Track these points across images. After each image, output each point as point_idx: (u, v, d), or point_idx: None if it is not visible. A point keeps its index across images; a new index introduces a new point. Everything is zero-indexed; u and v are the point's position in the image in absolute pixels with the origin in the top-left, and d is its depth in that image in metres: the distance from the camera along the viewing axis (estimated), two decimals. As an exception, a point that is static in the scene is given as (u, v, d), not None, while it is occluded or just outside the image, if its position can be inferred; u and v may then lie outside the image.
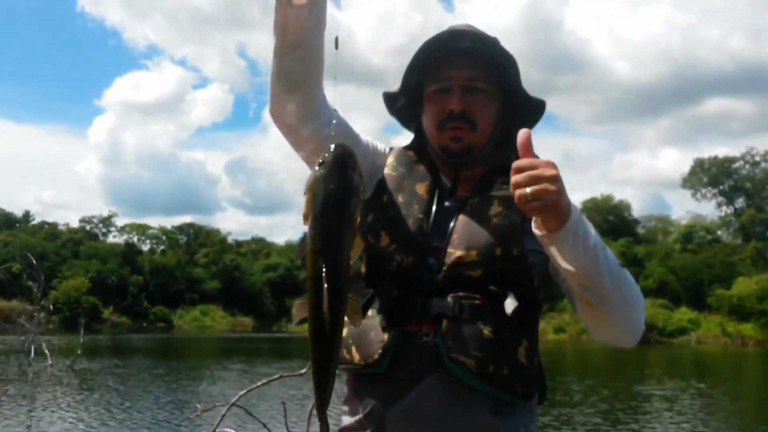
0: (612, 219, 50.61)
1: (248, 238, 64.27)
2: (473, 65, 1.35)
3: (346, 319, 1.05)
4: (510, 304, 1.26)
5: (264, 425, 4.52)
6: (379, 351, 1.27)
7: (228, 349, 26.01)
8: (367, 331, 1.30)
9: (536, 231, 1.16)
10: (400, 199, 1.37)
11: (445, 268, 1.29)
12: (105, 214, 61.64)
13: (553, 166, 1.10)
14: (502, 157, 1.41)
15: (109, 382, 13.23)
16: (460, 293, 1.27)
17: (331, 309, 1.00)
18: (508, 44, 1.36)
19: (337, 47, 1.21)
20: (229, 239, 59.53)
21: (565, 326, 37.82)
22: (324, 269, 1.00)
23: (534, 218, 1.16)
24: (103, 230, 57.72)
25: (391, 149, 1.47)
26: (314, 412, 1.14)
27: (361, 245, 1.05)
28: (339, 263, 1.01)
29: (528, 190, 1.08)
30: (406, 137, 1.50)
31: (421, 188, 1.38)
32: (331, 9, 1.25)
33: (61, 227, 55.24)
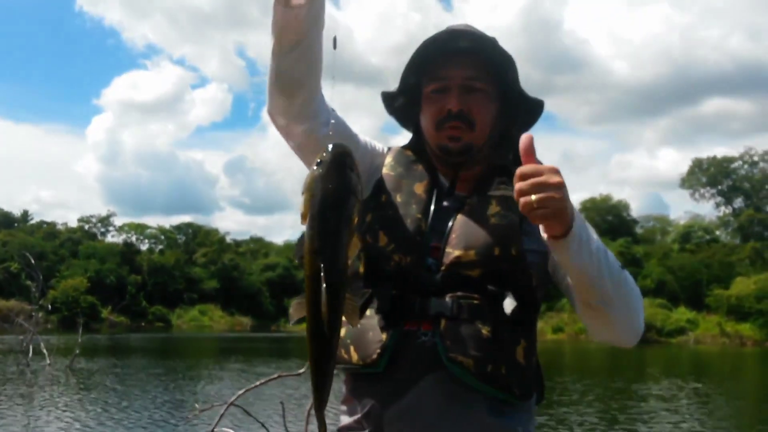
0: (611, 219, 50.65)
1: (247, 237, 64.36)
2: (472, 65, 1.35)
3: (344, 318, 1.05)
4: (509, 304, 1.26)
5: (262, 425, 4.52)
6: (378, 351, 1.27)
7: (226, 349, 26.01)
8: (366, 331, 1.30)
9: (543, 234, 1.17)
10: (398, 198, 1.37)
11: (443, 267, 1.29)
12: (103, 213, 61.76)
13: (557, 172, 1.10)
14: (500, 156, 1.41)
15: (108, 381, 13.22)
16: (459, 293, 1.27)
17: (329, 309, 1.00)
18: (507, 44, 1.36)
19: (335, 47, 1.21)
20: (228, 239, 59.58)
21: (564, 326, 37.84)
22: (322, 269, 1.00)
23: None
24: (102, 230, 57.76)
25: (389, 149, 1.47)
26: (312, 411, 1.13)
27: (359, 245, 1.05)
28: (337, 263, 1.01)
29: (533, 197, 1.08)
30: (404, 137, 1.51)
31: (419, 188, 1.38)
32: (329, 8, 1.25)
33: (59, 227, 55.23)
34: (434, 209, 1.35)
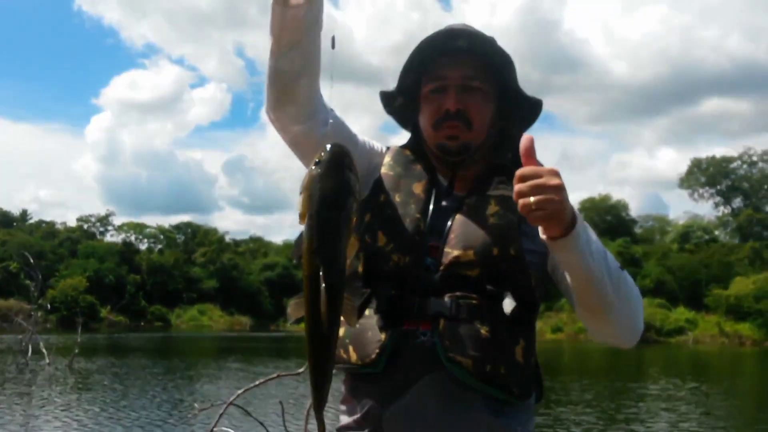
0: (609, 219, 50.67)
1: (246, 237, 64.31)
2: (470, 65, 1.35)
3: (342, 318, 1.05)
4: (508, 304, 1.26)
5: (262, 424, 4.52)
6: (377, 351, 1.27)
7: (226, 348, 26.01)
8: (365, 331, 1.30)
9: (542, 236, 1.17)
10: (397, 198, 1.37)
11: (442, 267, 1.29)
12: (102, 213, 61.53)
13: (556, 174, 1.10)
14: (499, 156, 1.41)
15: (107, 381, 13.22)
16: (458, 293, 1.27)
17: (328, 308, 1.00)
18: (506, 44, 1.36)
19: (333, 47, 1.21)
20: (227, 238, 59.54)
21: (563, 326, 37.85)
22: (321, 269, 1.00)
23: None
24: (101, 229, 57.73)
25: (388, 148, 1.47)
26: (312, 411, 1.14)
27: (356, 246, 1.06)
28: (336, 263, 1.01)
29: (532, 199, 1.08)
30: (403, 136, 1.51)
31: (418, 188, 1.38)
32: (328, 8, 1.25)
33: (58, 226, 55.20)
34: (433, 209, 1.35)
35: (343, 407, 1.38)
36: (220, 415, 3.90)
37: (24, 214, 57.43)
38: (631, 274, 1.29)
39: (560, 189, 1.09)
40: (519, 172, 1.10)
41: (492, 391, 1.25)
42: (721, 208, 53.63)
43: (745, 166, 53.18)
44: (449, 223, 1.32)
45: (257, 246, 60.30)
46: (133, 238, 56.96)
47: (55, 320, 33.70)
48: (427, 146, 1.40)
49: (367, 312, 1.31)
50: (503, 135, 1.41)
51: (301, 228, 1.03)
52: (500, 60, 1.35)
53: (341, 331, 1.29)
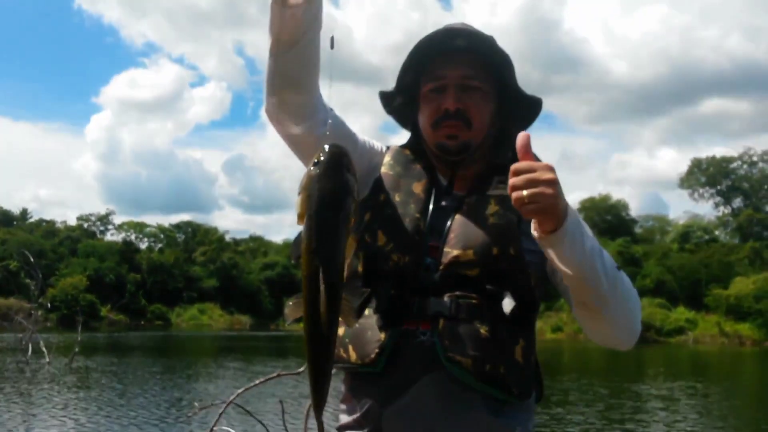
0: (609, 218, 50.66)
1: (246, 236, 64.27)
2: (469, 64, 1.35)
3: (340, 319, 1.05)
4: (508, 304, 1.26)
5: (262, 424, 4.52)
6: (376, 350, 1.27)
7: (226, 348, 26.02)
8: (364, 331, 1.30)
9: (533, 232, 1.17)
10: (396, 198, 1.37)
11: (441, 267, 1.29)
12: (103, 212, 61.59)
13: (550, 169, 1.11)
14: (498, 155, 1.41)
15: (107, 380, 13.22)
16: (457, 292, 1.27)
17: (327, 309, 1.00)
18: (506, 43, 1.36)
19: (332, 47, 1.20)
20: (227, 237, 59.54)
21: (563, 325, 37.86)
22: (320, 269, 1.00)
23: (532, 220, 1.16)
24: (101, 228, 57.77)
25: (388, 148, 1.47)
26: (311, 411, 1.13)
27: (354, 246, 1.06)
28: (335, 263, 1.01)
29: (525, 192, 1.09)
30: (403, 136, 1.51)
31: (417, 187, 1.38)
32: (328, 7, 1.25)
33: (58, 225, 55.26)
34: (433, 208, 1.35)
35: (342, 406, 1.38)
36: (220, 414, 3.90)
37: (24, 212, 57.48)
38: (631, 273, 1.29)
39: (553, 183, 1.10)
40: (514, 166, 1.11)
41: (491, 391, 1.25)
42: (721, 208, 53.70)
43: (745, 166, 53.22)
44: (449, 222, 1.32)
45: (257, 245, 60.30)
46: (133, 237, 57.01)
47: (55, 319, 33.73)
48: (427, 145, 1.40)
49: (366, 311, 1.31)
50: (503, 134, 1.41)
51: (300, 228, 1.03)
52: (499, 59, 1.35)
53: (341, 331, 1.29)
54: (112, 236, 56.77)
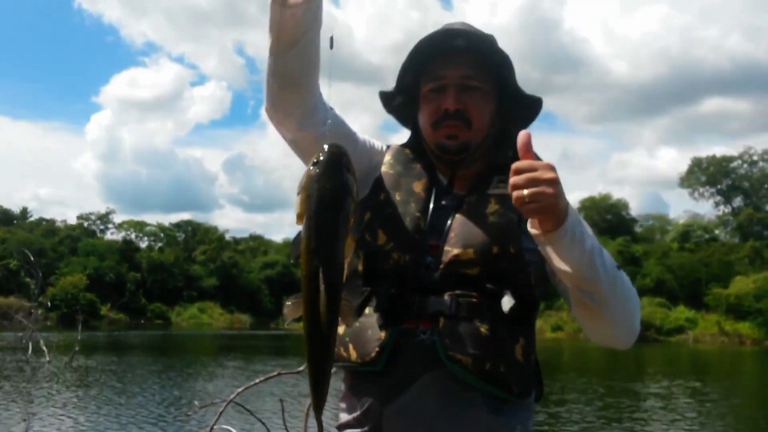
0: (610, 218, 50.66)
1: (246, 235, 64.32)
2: (469, 64, 1.35)
3: (340, 318, 1.05)
4: (507, 302, 1.26)
5: (262, 422, 4.53)
6: (376, 349, 1.28)
7: (226, 346, 26.02)
8: (364, 329, 1.30)
9: (532, 230, 1.17)
10: (397, 197, 1.37)
11: (442, 266, 1.29)
12: (103, 210, 61.68)
13: (551, 168, 1.11)
14: (498, 155, 1.41)
15: (107, 378, 13.22)
16: (457, 291, 1.27)
17: (327, 308, 1.00)
18: (506, 43, 1.36)
19: (332, 47, 1.20)
20: (227, 236, 59.58)
21: (563, 324, 37.87)
22: (320, 268, 1.00)
23: (531, 219, 1.16)
24: (101, 227, 57.77)
25: (388, 147, 1.47)
26: (312, 410, 1.14)
27: (353, 246, 1.06)
28: (334, 262, 1.01)
29: (525, 192, 1.09)
30: (403, 135, 1.51)
31: (418, 186, 1.38)
32: (328, 6, 1.24)
33: (58, 224, 55.28)
34: (433, 208, 1.35)
35: (342, 405, 1.38)
36: (220, 412, 3.89)
37: (24, 212, 57.47)
38: (631, 273, 1.29)
39: (554, 182, 1.10)
40: (515, 165, 1.11)
41: (492, 390, 1.25)
42: (722, 207, 53.70)
43: (745, 165, 53.22)
44: (449, 221, 1.32)
45: (257, 244, 60.29)
46: (133, 236, 57.02)
47: (55, 318, 33.76)
48: (427, 145, 1.40)
49: (367, 310, 1.31)
50: (503, 134, 1.42)
51: (300, 228, 1.03)
52: (498, 59, 1.35)
53: (341, 330, 1.30)
54: (112, 235, 56.84)
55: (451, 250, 1.29)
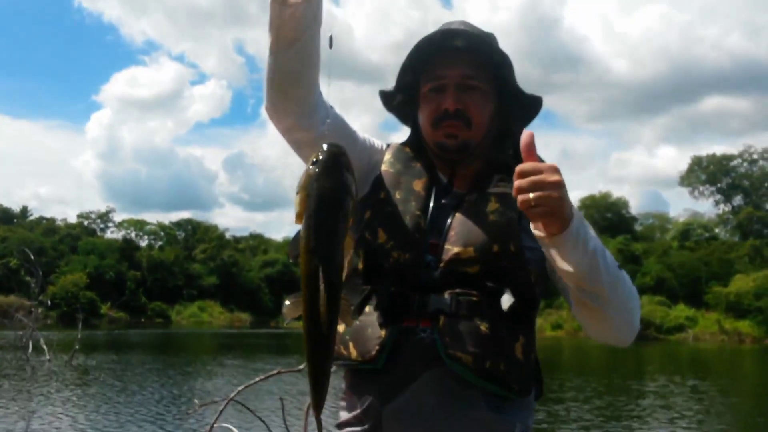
0: (610, 216, 50.65)
1: (246, 234, 64.36)
2: (468, 64, 1.35)
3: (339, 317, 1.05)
4: (506, 301, 1.26)
5: (262, 421, 4.53)
6: (377, 347, 1.28)
7: (226, 345, 26.02)
8: (365, 328, 1.30)
9: (536, 233, 1.16)
10: (397, 195, 1.37)
11: (442, 264, 1.29)
12: (103, 209, 61.63)
13: (556, 171, 1.10)
14: (498, 153, 1.41)
15: (107, 377, 13.22)
16: (458, 290, 1.27)
17: (327, 307, 1.00)
18: (506, 41, 1.37)
19: (331, 46, 1.20)
20: (227, 235, 59.59)
21: (563, 323, 37.88)
22: (319, 268, 1.00)
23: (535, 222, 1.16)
24: (101, 226, 57.79)
25: (388, 146, 1.47)
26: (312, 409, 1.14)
27: (352, 245, 1.06)
28: (334, 262, 1.01)
29: (531, 195, 1.08)
30: (403, 134, 1.51)
31: (418, 185, 1.38)
32: (328, 5, 1.24)
33: (58, 222, 55.30)
34: (433, 206, 1.35)
35: (342, 403, 1.38)
36: (221, 411, 3.90)
37: (24, 210, 57.48)
38: (631, 271, 1.29)
39: (560, 185, 1.09)
40: (519, 168, 1.10)
41: (492, 388, 1.25)
42: (722, 205, 53.70)
43: (745, 164, 53.21)
44: (449, 220, 1.33)
45: (257, 243, 60.29)
46: (133, 234, 57.06)
47: (55, 316, 33.77)
48: (427, 144, 1.40)
49: (367, 309, 1.31)
50: (503, 132, 1.42)
51: (299, 227, 1.03)
52: (498, 59, 1.35)
53: (341, 328, 1.30)
54: (112, 234, 56.88)
55: (452, 249, 1.29)
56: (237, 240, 59.97)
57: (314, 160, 1.03)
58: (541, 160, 1.13)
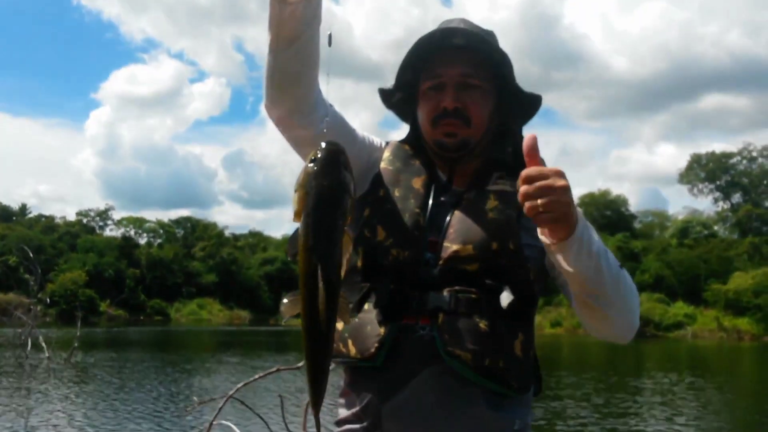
0: (609, 214, 50.64)
1: (245, 231, 64.33)
2: (467, 62, 1.35)
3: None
4: (505, 298, 1.26)
5: (261, 418, 4.54)
6: (376, 345, 1.28)
7: (225, 343, 26.03)
8: (364, 325, 1.30)
9: (543, 239, 1.16)
10: (396, 193, 1.37)
11: (441, 262, 1.29)
12: (102, 207, 61.52)
13: (562, 175, 1.08)
14: (498, 151, 1.41)
15: (106, 375, 13.23)
16: (457, 287, 1.28)
17: (325, 305, 1.00)
18: (506, 39, 1.37)
19: (330, 45, 1.20)
20: (226, 233, 59.54)
21: (562, 320, 37.92)
22: (318, 266, 1.00)
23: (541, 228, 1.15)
24: (100, 223, 57.76)
25: (387, 143, 1.47)
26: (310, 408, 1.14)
27: (351, 244, 1.06)
28: (332, 260, 1.01)
29: (539, 201, 1.07)
30: (403, 132, 1.51)
31: (417, 182, 1.38)
32: (327, 3, 1.24)
33: (58, 220, 55.25)
34: (432, 204, 1.35)
35: (342, 401, 1.38)
36: (220, 408, 3.90)
37: (23, 208, 57.44)
38: (630, 268, 1.29)
39: (567, 190, 1.08)
40: (524, 173, 1.09)
41: (491, 385, 1.25)
42: (721, 203, 53.67)
43: (744, 161, 53.17)
44: (448, 218, 1.33)
45: (256, 240, 60.29)
46: (132, 232, 57.04)
47: (54, 314, 33.74)
48: (426, 142, 1.40)
49: (366, 306, 1.31)
50: (503, 130, 1.42)
51: (297, 225, 1.03)
52: (498, 57, 1.35)
53: (339, 326, 1.30)
54: (111, 231, 56.83)
55: (451, 246, 1.29)
56: (236, 238, 59.97)
57: (313, 158, 1.03)
58: (543, 164, 1.12)
